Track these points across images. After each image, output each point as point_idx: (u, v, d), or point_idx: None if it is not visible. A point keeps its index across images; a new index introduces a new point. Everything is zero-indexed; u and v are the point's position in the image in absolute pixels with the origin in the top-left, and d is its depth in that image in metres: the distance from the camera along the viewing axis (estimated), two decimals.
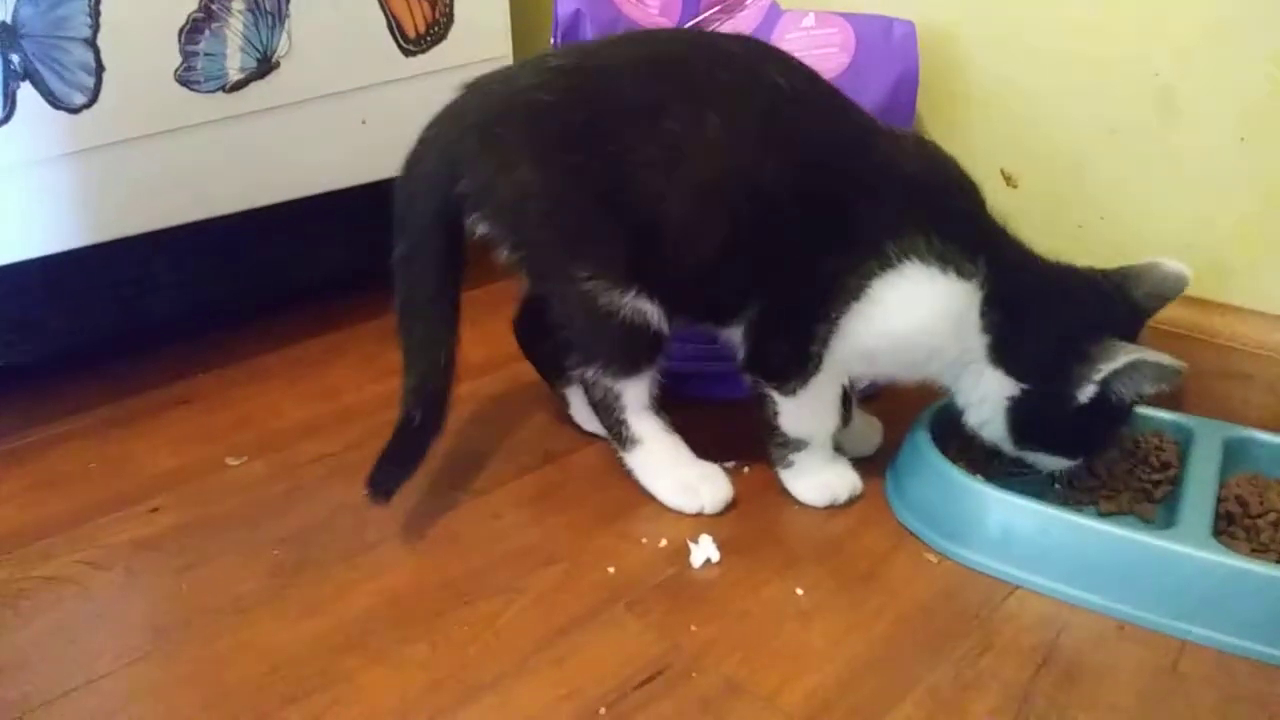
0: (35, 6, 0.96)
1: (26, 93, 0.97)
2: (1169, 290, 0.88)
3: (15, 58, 0.96)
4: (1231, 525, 0.89)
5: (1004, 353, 0.87)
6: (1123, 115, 1.10)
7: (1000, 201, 0.91)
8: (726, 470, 0.96)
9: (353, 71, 1.21)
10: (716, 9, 1.17)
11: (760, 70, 0.88)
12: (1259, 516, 0.89)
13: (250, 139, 1.14)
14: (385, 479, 0.89)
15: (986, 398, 0.89)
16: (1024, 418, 0.88)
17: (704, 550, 0.88)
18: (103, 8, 0.99)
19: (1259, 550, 0.86)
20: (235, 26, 1.09)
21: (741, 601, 0.83)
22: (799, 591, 0.84)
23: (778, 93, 0.87)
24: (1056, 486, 0.94)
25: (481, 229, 0.90)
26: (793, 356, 0.90)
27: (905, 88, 1.11)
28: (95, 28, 1.00)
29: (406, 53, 1.25)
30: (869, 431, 1.03)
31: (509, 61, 1.33)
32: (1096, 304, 0.87)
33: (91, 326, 1.16)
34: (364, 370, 1.19)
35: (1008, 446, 0.91)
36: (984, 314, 0.86)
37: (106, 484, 0.98)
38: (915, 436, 0.95)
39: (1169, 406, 1.00)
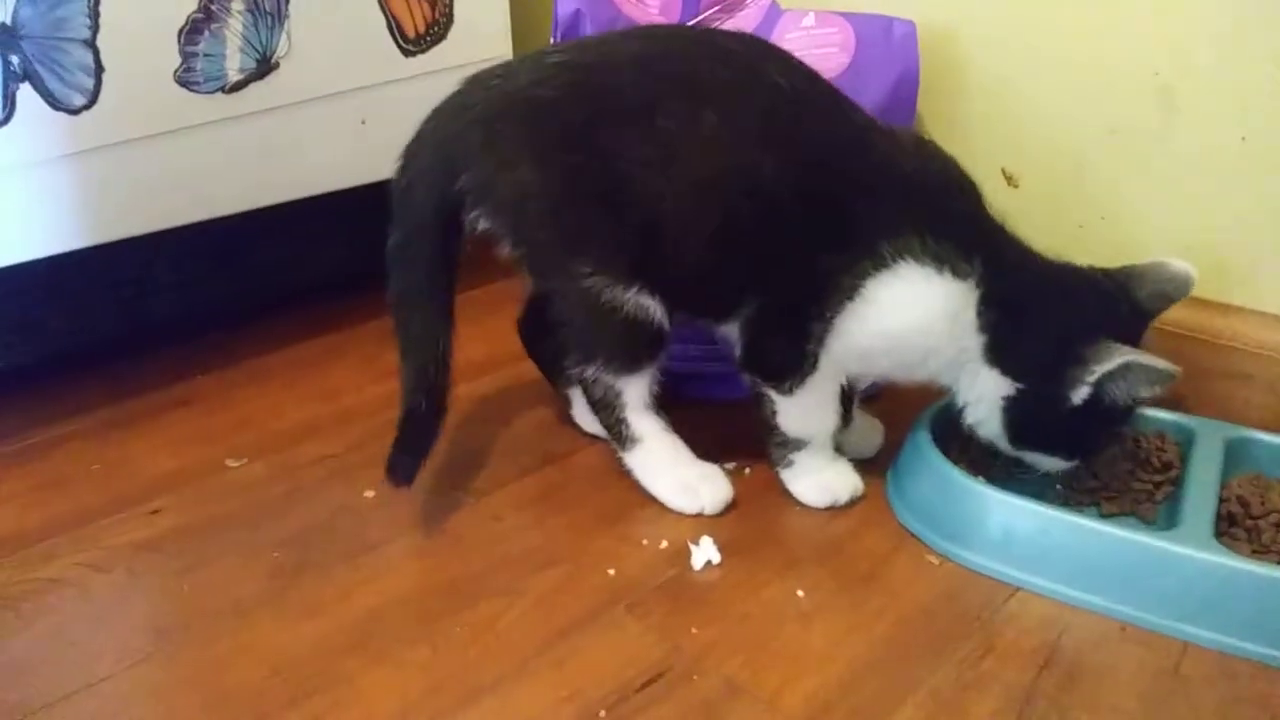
0: (35, 8, 0.96)
1: (26, 94, 0.97)
2: (1174, 291, 0.88)
3: (15, 59, 0.96)
4: (1233, 526, 0.89)
5: (1000, 352, 0.87)
6: (1123, 115, 1.10)
7: (1001, 201, 0.91)
8: (727, 471, 0.96)
9: (352, 72, 1.21)
10: (716, 8, 1.17)
11: (760, 68, 0.88)
12: (1260, 517, 0.89)
13: (250, 140, 1.14)
14: (402, 467, 0.90)
15: (983, 397, 0.89)
16: (1019, 418, 0.88)
17: (705, 552, 0.88)
18: (102, 9, 0.99)
19: (1260, 551, 0.86)
20: (235, 27, 1.09)
21: (742, 603, 0.83)
22: (800, 593, 0.84)
23: (777, 91, 0.87)
24: (1058, 487, 0.94)
25: (482, 224, 0.90)
26: (789, 355, 0.90)
27: (905, 87, 1.10)
28: (95, 29, 1.00)
29: (406, 53, 1.25)
30: (870, 432, 1.03)
31: None
32: (1096, 304, 0.87)
33: (92, 328, 1.16)
34: (364, 371, 1.19)
35: (1004, 446, 0.91)
36: (980, 313, 0.86)
37: (107, 486, 0.98)
38: (916, 437, 0.95)
39: (1170, 407, 1.00)
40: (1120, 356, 0.81)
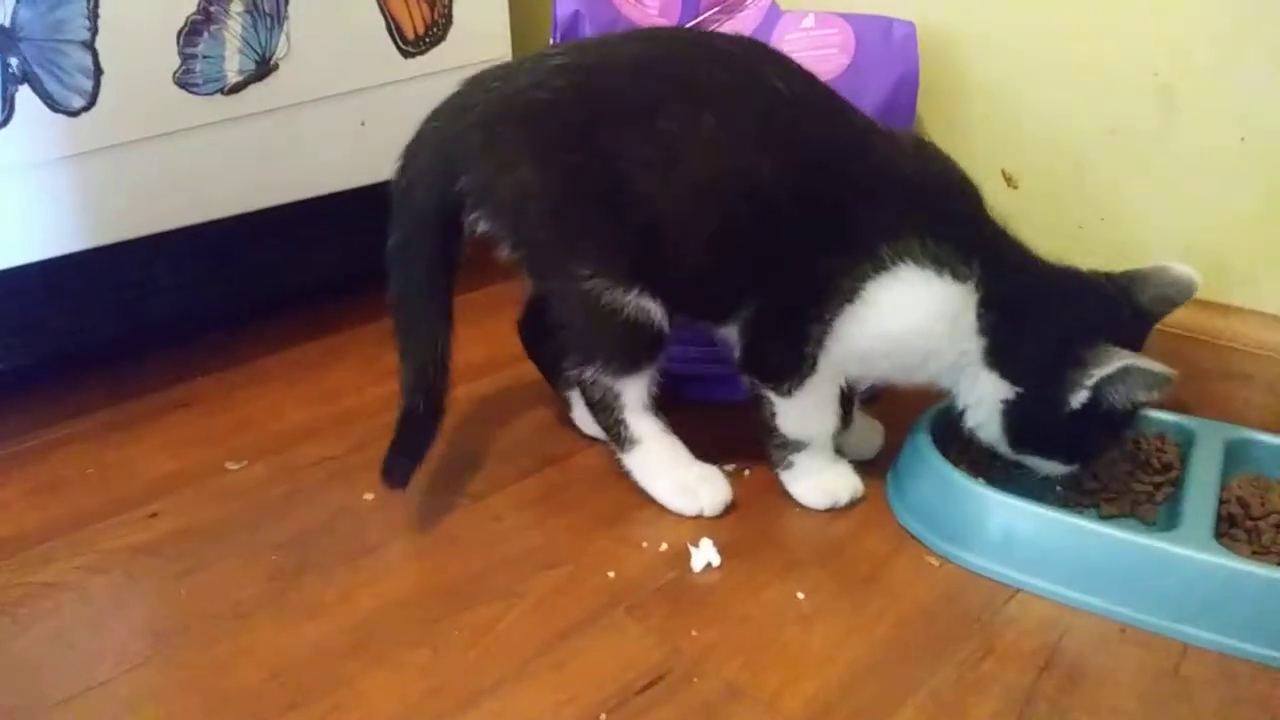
0: (34, 9, 0.96)
1: (25, 96, 0.97)
2: (1177, 294, 0.88)
3: (14, 61, 0.96)
4: (1233, 527, 0.89)
5: (1000, 355, 0.87)
6: (1123, 116, 1.10)
7: (1001, 202, 0.91)
8: (727, 473, 0.96)
9: (352, 73, 1.21)
10: (716, 10, 1.17)
11: (758, 71, 0.88)
12: (1260, 518, 0.89)
13: (249, 141, 1.14)
14: (398, 468, 0.90)
15: (982, 400, 0.89)
16: (1018, 421, 0.88)
17: (705, 554, 0.88)
18: (101, 10, 0.99)
19: (1260, 552, 0.86)
20: (234, 29, 1.09)
21: (742, 605, 0.83)
22: (800, 595, 0.84)
23: (775, 94, 0.87)
24: (1058, 489, 0.94)
25: (482, 226, 0.90)
26: (788, 357, 0.90)
27: (905, 88, 1.10)
28: (94, 30, 0.99)
29: (405, 54, 1.25)
30: (870, 434, 1.03)
31: None
32: (1096, 308, 0.87)
33: (91, 329, 1.16)
34: (364, 373, 1.19)
35: (1004, 449, 0.90)
36: (980, 316, 0.86)
37: (106, 488, 0.98)
38: (916, 439, 0.95)
39: (1170, 408, 0.99)
40: (1119, 360, 0.81)
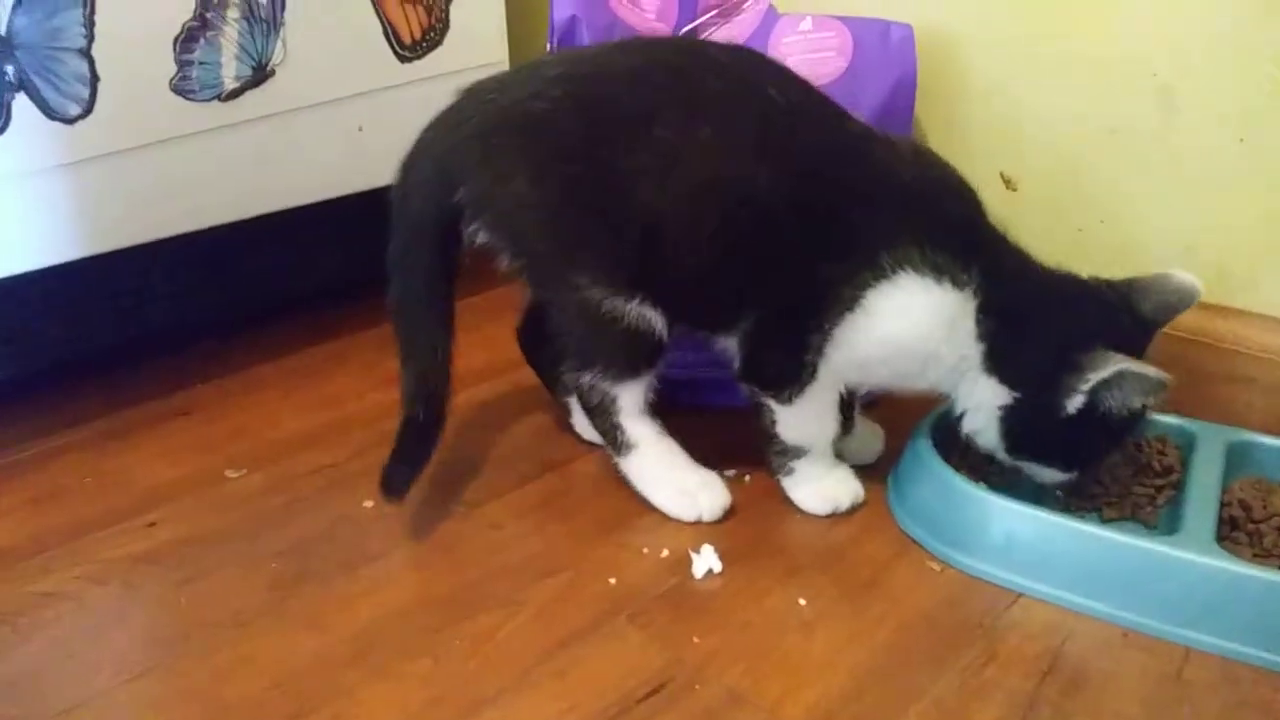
0: (30, 17, 0.95)
1: (22, 104, 0.97)
2: (1179, 302, 0.87)
3: (10, 69, 0.95)
4: (1235, 530, 0.89)
5: (997, 360, 0.87)
6: (1122, 117, 1.10)
7: (1000, 204, 0.91)
8: (727, 479, 0.96)
9: (348, 78, 1.21)
10: (713, 13, 1.17)
11: (754, 80, 0.88)
12: (1262, 521, 0.88)
13: (247, 148, 1.14)
14: (397, 478, 0.90)
15: (980, 405, 0.89)
16: (1016, 427, 0.88)
17: (706, 560, 0.88)
18: (97, 18, 0.99)
19: (1262, 556, 0.86)
20: (230, 35, 1.09)
21: (744, 612, 0.83)
22: (801, 601, 0.84)
23: (771, 103, 0.87)
24: (1058, 493, 0.94)
25: (481, 237, 0.90)
26: (788, 365, 0.89)
27: (903, 91, 1.10)
28: (90, 38, 0.99)
29: (402, 59, 1.25)
30: (870, 438, 1.03)
31: (505, 67, 1.32)
32: (1094, 314, 0.87)
33: (88, 338, 1.15)
34: (363, 379, 1.19)
35: (1001, 455, 0.90)
36: (979, 322, 0.86)
37: (104, 498, 0.98)
38: (917, 443, 0.95)
39: (1171, 410, 0.99)
40: (1114, 364, 0.81)
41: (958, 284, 0.85)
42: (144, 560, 0.89)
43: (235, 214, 1.15)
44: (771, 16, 1.15)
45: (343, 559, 0.89)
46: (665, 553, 0.89)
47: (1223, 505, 0.89)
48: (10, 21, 0.95)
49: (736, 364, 0.92)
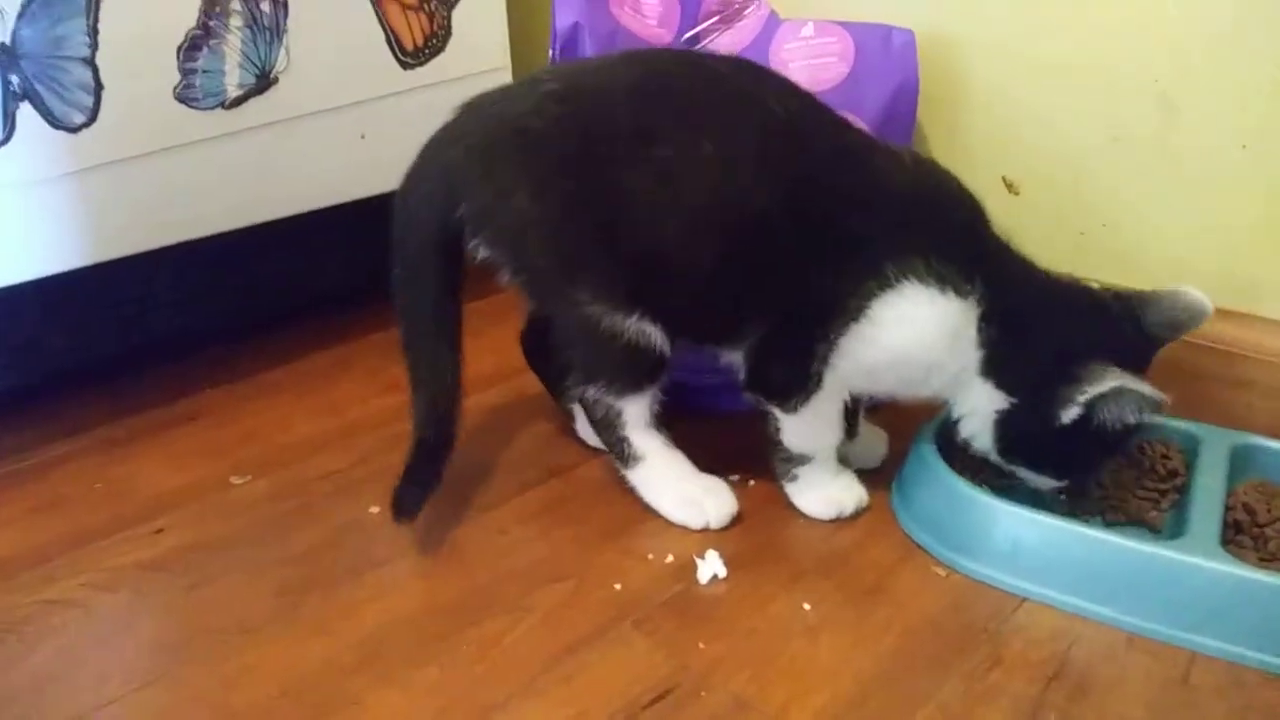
0: (34, 27, 0.96)
1: (26, 113, 0.97)
2: (1188, 319, 0.87)
3: (14, 78, 0.96)
4: (1239, 534, 0.89)
5: (996, 366, 0.87)
6: (1124, 122, 1.10)
7: (1002, 209, 0.91)
8: (731, 484, 0.96)
9: (351, 86, 1.21)
10: (715, 19, 1.17)
11: (754, 93, 0.88)
12: (1267, 525, 0.89)
13: (250, 155, 1.14)
14: (409, 499, 0.90)
15: (977, 410, 0.89)
16: (1010, 432, 0.88)
17: (711, 566, 0.88)
18: (101, 27, 0.99)
19: (1267, 559, 0.86)
20: (233, 43, 1.09)
21: (749, 618, 0.83)
22: (806, 606, 0.84)
23: (772, 115, 0.87)
24: (1062, 497, 0.94)
25: (482, 253, 0.90)
26: (793, 376, 0.90)
27: (905, 97, 1.11)
28: (94, 47, 0.99)
29: (405, 66, 1.25)
30: (875, 443, 1.03)
31: (507, 74, 1.33)
32: (1096, 325, 0.87)
33: (93, 345, 1.16)
34: (369, 384, 1.19)
35: (995, 459, 0.91)
36: (980, 330, 0.86)
37: (110, 505, 0.98)
38: (920, 448, 0.95)
39: (1175, 414, 0.99)
40: (1112, 380, 0.81)
41: (961, 293, 0.85)
42: (151, 567, 0.89)
43: (239, 221, 1.15)
44: (773, 22, 1.15)
45: (349, 565, 0.89)
46: (670, 558, 0.90)
47: (1227, 509, 0.89)
48: (14, 31, 0.95)
49: (742, 375, 0.93)
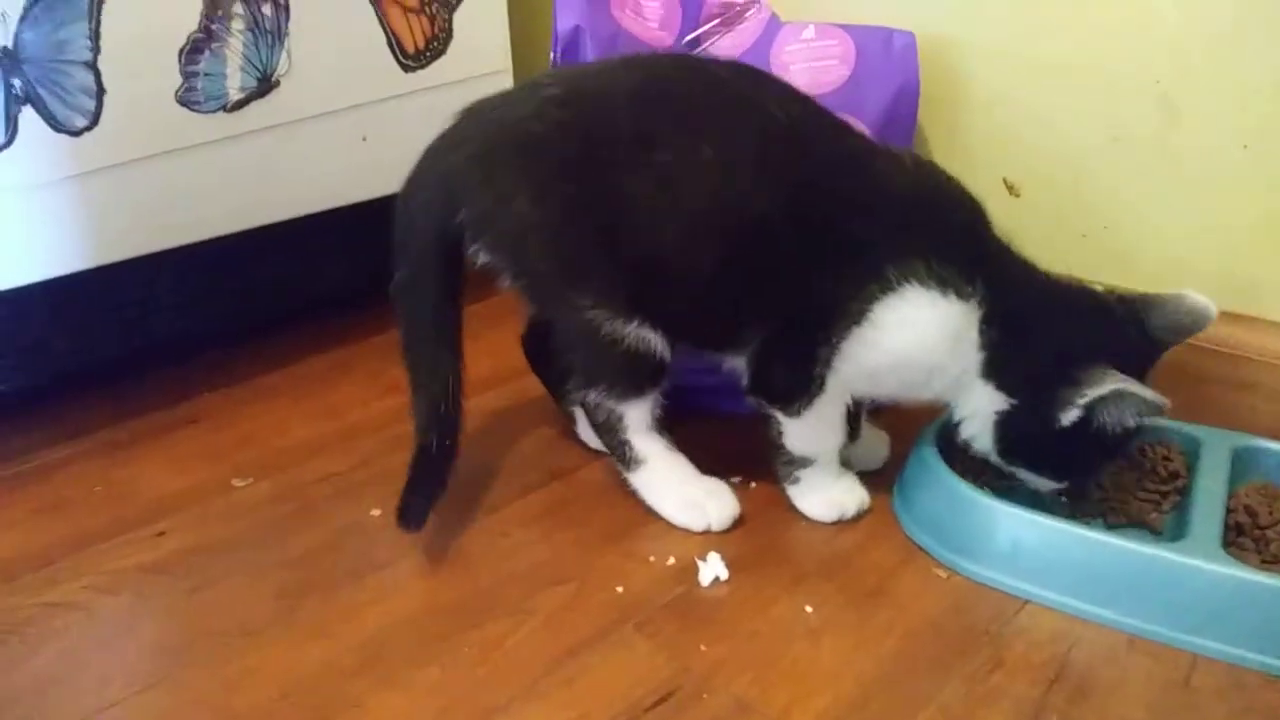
0: (36, 31, 0.96)
1: (28, 116, 0.97)
2: (1192, 323, 0.87)
3: (17, 82, 0.96)
4: (1241, 536, 0.89)
5: (996, 367, 0.87)
6: (1125, 123, 1.10)
7: (1003, 211, 0.91)
8: (732, 486, 0.96)
9: (353, 89, 1.21)
10: (716, 22, 1.17)
11: (754, 98, 0.89)
12: (1268, 527, 0.89)
13: (252, 158, 1.14)
14: (414, 509, 0.89)
15: (977, 411, 0.89)
16: (1010, 433, 0.88)
17: (712, 568, 0.88)
18: (103, 31, 0.99)
19: (1269, 561, 0.86)
20: (235, 46, 1.09)
21: (750, 620, 0.83)
22: (808, 609, 0.84)
23: (772, 120, 0.87)
24: (1064, 499, 0.94)
25: (483, 258, 0.90)
26: (796, 380, 0.90)
27: (906, 99, 1.11)
28: (96, 51, 1.00)
29: (406, 68, 1.25)
30: (876, 445, 1.03)
31: (509, 76, 1.33)
32: (1098, 328, 0.87)
33: (94, 348, 1.15)
34: (369, 387, 1.19)
35: (995, 460, 0.91)
36: (982, 332, 0.86)
37: (112, 507, 0.98)
38: (922, 450, 0.95)
39: (1176, 416, 0.99)
40: (1112, 383, 0.81)
41: (963, 296, 0.85)
42: (152, 570, 0.89)
43: (240, 224, 1.15)
44: (774, 25, 1.15)
45: (350, 567, 0.89)
46: (672, 561, 0.90)
47: (1229, 511, 0.89)
48: (17, 35, 0.95)
49: (745, 380, 0.93)
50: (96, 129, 1.01)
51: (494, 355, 1.13)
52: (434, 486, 0.90)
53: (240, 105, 1.12)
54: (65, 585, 0.87)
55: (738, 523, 0.94)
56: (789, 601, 0.85)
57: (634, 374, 0.90)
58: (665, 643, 0.80)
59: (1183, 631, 0.80)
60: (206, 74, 1.08)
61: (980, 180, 0.92)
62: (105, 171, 1.04)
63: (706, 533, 0.93)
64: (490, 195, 0.89)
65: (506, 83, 1.31)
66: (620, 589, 0.86)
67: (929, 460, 0.93)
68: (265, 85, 1.13)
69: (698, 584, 0.87)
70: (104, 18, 0.99)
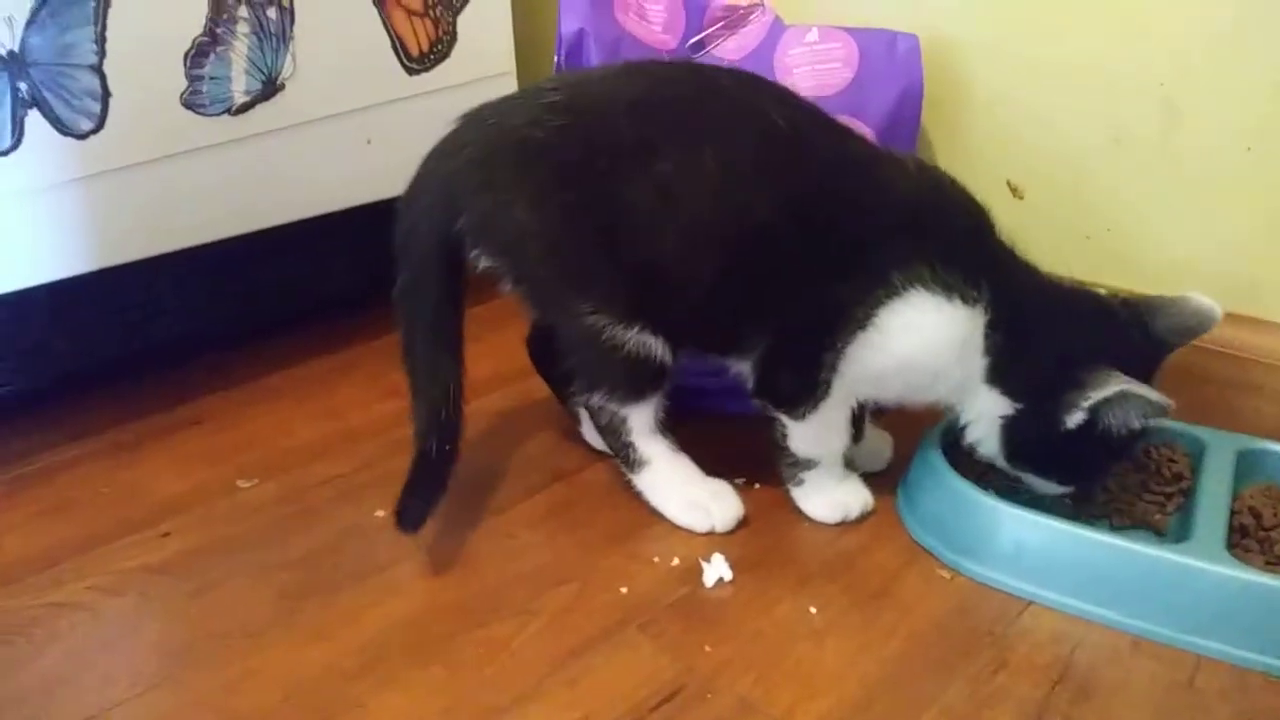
0: (42, 35, 0.96)
1: (34, 120, 0.97)
2: (1197, 325, 0.87)
3: (23, 85, 0.96)
4: (1245, 538, 0.89)
5: (1001, 372, 0.87)
6: (1128, 125, 1.10)
7: (1007, 213, 0.91)
8: (736, 487, 0.96)
9: (357, 91, 1.21)
10: (720, 25, 1.17)
11: (756, 106, 0.89)
12: (1272, 529, 0.89)
13: (256, 161, 1.14)
14: (412, 512, 0.89)
15: (982, 415, 0.89)
16: (1016, 438, 0.88)
17: (716, 569, 0.88)
18: (109, 34, 1.00)
19: (1273, 563, 0.86)
20: (240, 49, 1.10)
21: (754, 621, 0.83)
22: (812, 610, 0.84)
23: (774, 128, 0.87)
24: (1067, 500, 0.94)
25: (484, 262, 0.90)
26: (802, 384, 0.90)
27: (909, 102, 1.11)
28: (101, 54, 1.00)
29: (410, 71, 1.25)
30: (880, 446, 1.03)
31: (512, 79, 1.33)
32: (1102, 331, 0.87)
33: (98, 350, 1.16)
34: (371, 389, 1.19)
35: (1001, 464, 0.91)
36: (986, 337, 0.87)
37: (116, 509, 0.98)
38: (926, 451, 0.95)
39: (1180, 418, 0.99)
40: (1116, 385, 0.81)
41: (968, 300, 0.85)
42: (157, 571, 0.89)
43: (244, 226, 1.16)
44: (778, 28, 1.15)
45: (353, 569, 0.89)
46: (676, 561, 0.90)
47: (1233, 513, 0.89)
48: (23, 39, 0.95)
49: (750, 384, 0.93)
50: (102, 132, 1.02)
51: (497, 357, 1.14)
52: (433, 490, 0.89)
53: (245, 108, 1.12)
54: (70, 586, 0.88)
55: (742, 524, 0.94)
56: (793, 602, 0.85)
57: (635, 378, 0.90)
58: (669, 643, 0.80)
59: (1186, 633, 0.80)
60: (211, 77, 1.08)
61: (982, 182, 0.92)
62: (110, 174, 1.04)
63: (710, 534, 0.93)
64: (491, 200, 0.89)
65: (510, 86, 1.32)
66: (624, 590, 0.86)
67: (933, 461, 0.93)
68: (270, 88, 1.13)
69: (702, 585, 0.87)
70: (109, 21, 1.00)
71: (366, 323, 1.28)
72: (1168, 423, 0.98)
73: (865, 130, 1.07)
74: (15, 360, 1.10)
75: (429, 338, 0.91)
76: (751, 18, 1.16)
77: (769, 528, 0.94)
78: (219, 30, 1.08)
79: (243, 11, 1.09)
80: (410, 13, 1.23)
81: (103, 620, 0.84)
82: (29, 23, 0.95)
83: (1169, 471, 0.96)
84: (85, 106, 1.00)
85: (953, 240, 0.87)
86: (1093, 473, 0.91)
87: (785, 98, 0.91)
